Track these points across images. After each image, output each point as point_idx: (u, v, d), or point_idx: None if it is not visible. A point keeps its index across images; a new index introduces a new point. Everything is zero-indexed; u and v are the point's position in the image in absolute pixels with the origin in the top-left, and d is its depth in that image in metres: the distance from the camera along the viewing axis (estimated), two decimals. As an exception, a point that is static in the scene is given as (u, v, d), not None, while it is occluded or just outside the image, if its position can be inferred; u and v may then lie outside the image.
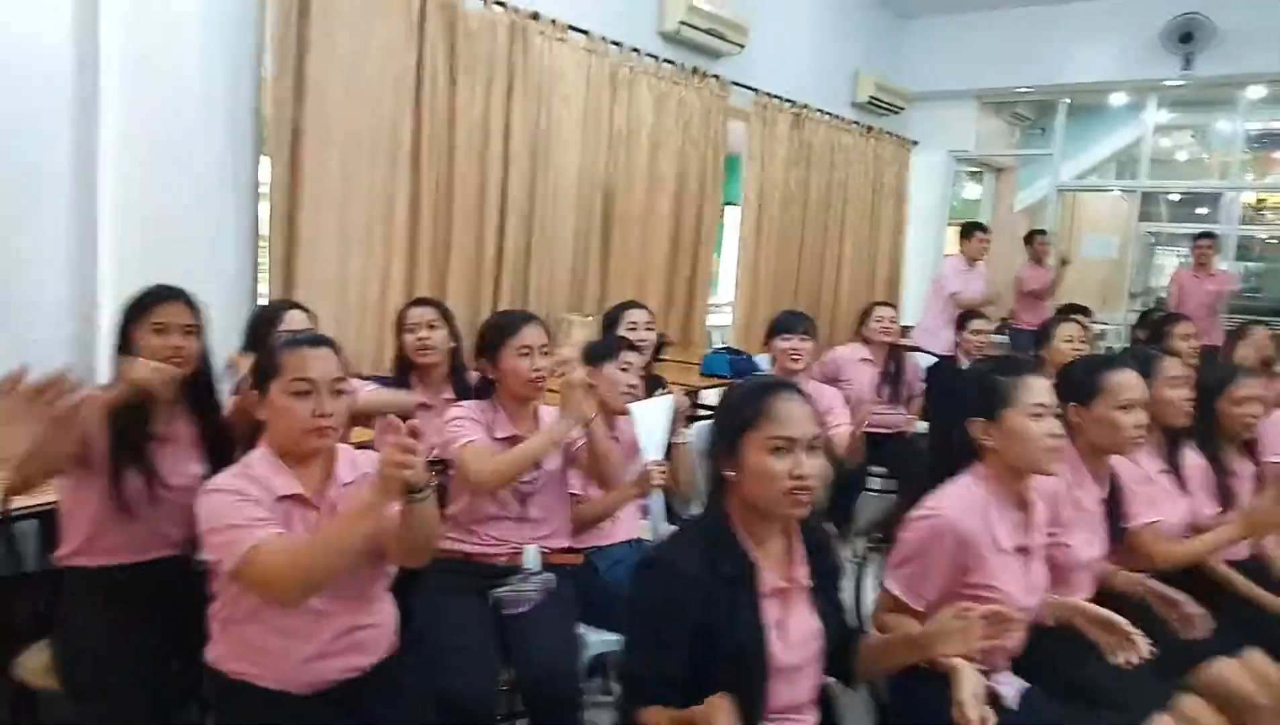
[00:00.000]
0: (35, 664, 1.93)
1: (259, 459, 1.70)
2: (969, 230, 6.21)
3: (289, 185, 3.52)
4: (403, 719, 1.71)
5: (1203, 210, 9.69)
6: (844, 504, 3.85)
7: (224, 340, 3.37)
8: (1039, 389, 1.74)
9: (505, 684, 2.02)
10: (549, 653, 2.01)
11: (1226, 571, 2.41)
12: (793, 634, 1.47)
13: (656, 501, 2.81)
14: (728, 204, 6.67)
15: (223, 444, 2.03)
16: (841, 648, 1.57)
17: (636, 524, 2.59)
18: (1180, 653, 2.04)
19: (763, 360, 4.03)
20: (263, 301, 3.53)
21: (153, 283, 2.06)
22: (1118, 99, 7.68)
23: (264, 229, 3.52)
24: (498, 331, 2.29)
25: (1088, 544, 1.98)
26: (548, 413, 2.37)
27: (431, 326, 2.77)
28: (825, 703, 1.61)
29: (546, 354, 2.30)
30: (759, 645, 1.41)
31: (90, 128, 2.98)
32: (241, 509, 1.57)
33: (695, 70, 5.31)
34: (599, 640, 2.28)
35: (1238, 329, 4.11)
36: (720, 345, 6.24)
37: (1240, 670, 2.04)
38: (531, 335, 2.27)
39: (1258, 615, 2.32)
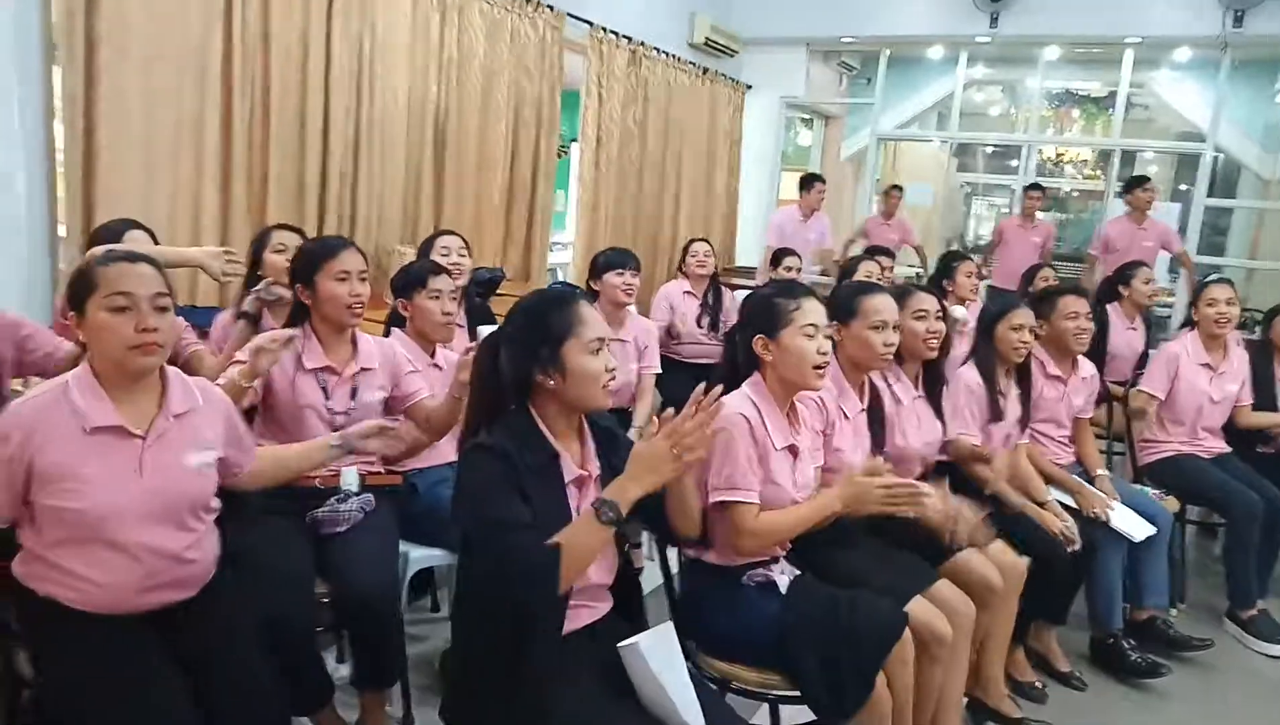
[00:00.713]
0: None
1: (77, 383, 1.60)
2: (808, 181, 6.30)
3: (85, 102, 3.27)
4: (220, 639, 1.70)
5: (1014, 162, 10.46)
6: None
7: (20, 267, 3.18)
8: (814, 311, 1.93)
9: (324, 598, 2.06)
10: (367, 568, 2.05)
11: (982, 470, 2.73)
12: None
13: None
14: (573, 140, 6.67)
15: None
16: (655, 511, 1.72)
17: (456, 447, 2.64)
18: (938, 544, 2.33)
19: (592, 297, 4.13)
20: (62, 227, 3.32)
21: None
22: (935, 53, 8.13)
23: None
24: (314, 256, 2.26)
25: (854, 449, 2.21)
26: (365, 341, 2.37)
27: None
28: (630, 593, 1.75)
29: (364, 280, 2.30)
30: (566, 523, 1.51)
31: None
32: None
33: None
34: (423, 556, 2.36)
35: (1030, 270, 4.57)
36: (560, 281, 6.32)
37: (981, 557, 2.35)
38: (350, 260, 2.25)
39: (1007, 514, 2.65)
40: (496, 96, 5.15)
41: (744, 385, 1.97)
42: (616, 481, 1.48)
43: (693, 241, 4.30)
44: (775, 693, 1.87)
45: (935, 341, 2.52)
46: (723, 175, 7.77)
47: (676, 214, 7.17)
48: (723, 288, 4.31)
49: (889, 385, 2.51)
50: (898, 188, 7.10)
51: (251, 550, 1.95)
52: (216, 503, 1.76)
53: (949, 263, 4.00)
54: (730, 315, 4.25)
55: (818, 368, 1.92)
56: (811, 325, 1.91)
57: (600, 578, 1.64)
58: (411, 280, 2.57)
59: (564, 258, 6.75)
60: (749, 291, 2.22)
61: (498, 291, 4.36)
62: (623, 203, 6.52)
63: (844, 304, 2.25)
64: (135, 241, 2.52)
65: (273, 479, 1.96)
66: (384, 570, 2.09)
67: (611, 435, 1.70)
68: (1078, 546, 2.63)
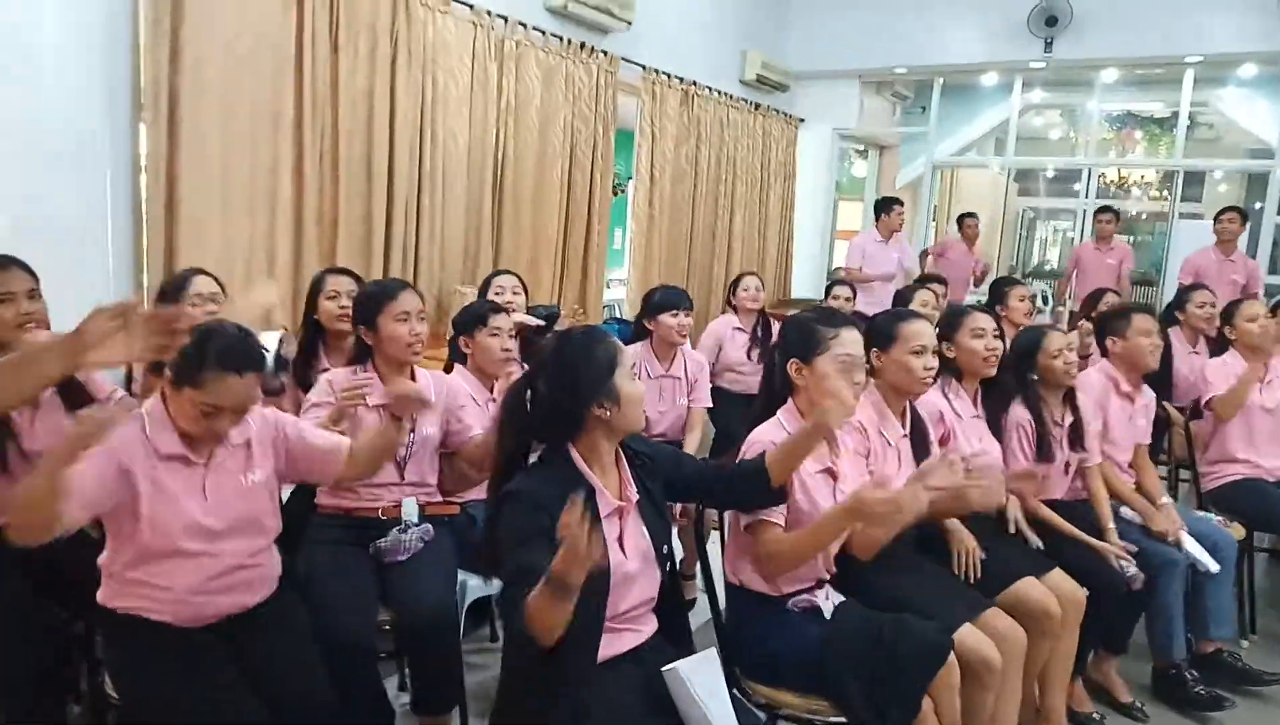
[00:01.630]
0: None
1: (153, 417, 1.78)
2: (887, 204, 6.41)
3: (168, 155, 3.50)
4: (285, 653, 1.83)
5: (1077, 186, 10.31)
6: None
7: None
8: (850, 342, 1.97)
9: (386, 624, 2.16)
10: (427, 594, 2.14)
11: (1039, 506, 2.72)
12: (631, 544, 1.67)
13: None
14: (629, 178, 6.82)
15: (80, 402, 2.11)
16: (738, 479, 1.83)
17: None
18: (995, 572, 2.34)
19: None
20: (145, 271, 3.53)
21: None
22: (989, 79, 8.10)
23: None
24: (376, 299, 2.39)
25: (899, 475, 2.23)
26: (423, 377, 2.49)
27: (350, 296, 2.79)
28: (677, 617, 1.81)
29: (423, 319, 2.42)
30: (603, 559, 1.57)
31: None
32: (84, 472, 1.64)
33: (583, 45, 5.43)
34: (480, 584, 2.44)
35: (1093, 294, 4.51)
36: (615, 317, 6.44)
37: (1039, 586, 2.34)
38: (409, 301, 2.38)
39: (1065, 544, 2.64)
40: (553, 139, 5.31)
41: (779, 412, 2.02)
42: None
43: (743, 276, 4.36)
44: (821, 718, 1.90)
45: (995, 358, 2.56)
46: (777, 208, 7.83)
47: (730, 248, 7.24)
48: (770, 320, 4.36)
49: (949, 401, 2.55)
50: (972, 215, 7.14)
51: (318, 577, 2.07)
52: (276, 520, 1.91)
53: (1001, 287, 3.99)
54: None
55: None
56: (847, 355, 1.96)
57: (643, 597, 1.70)
58: (472, 318, 2.68)
59: (620, 294, 6.87)
60: (790, 315, 2.29)
61: (553, 328, 4.48)
62: (677, 239, 6.63)
63: (883, 331, 2.28)
64: (200, 287, 2.64)
65: (372, 465, 2.11)
66: (443, 596, 2.18)
67: (648, 459, 1.77)
68: (1139, 584, 2.58)
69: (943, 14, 7.29)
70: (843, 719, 1.86)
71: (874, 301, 5.64)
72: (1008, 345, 2.75)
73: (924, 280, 4.57)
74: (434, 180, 4.59)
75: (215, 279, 2.78)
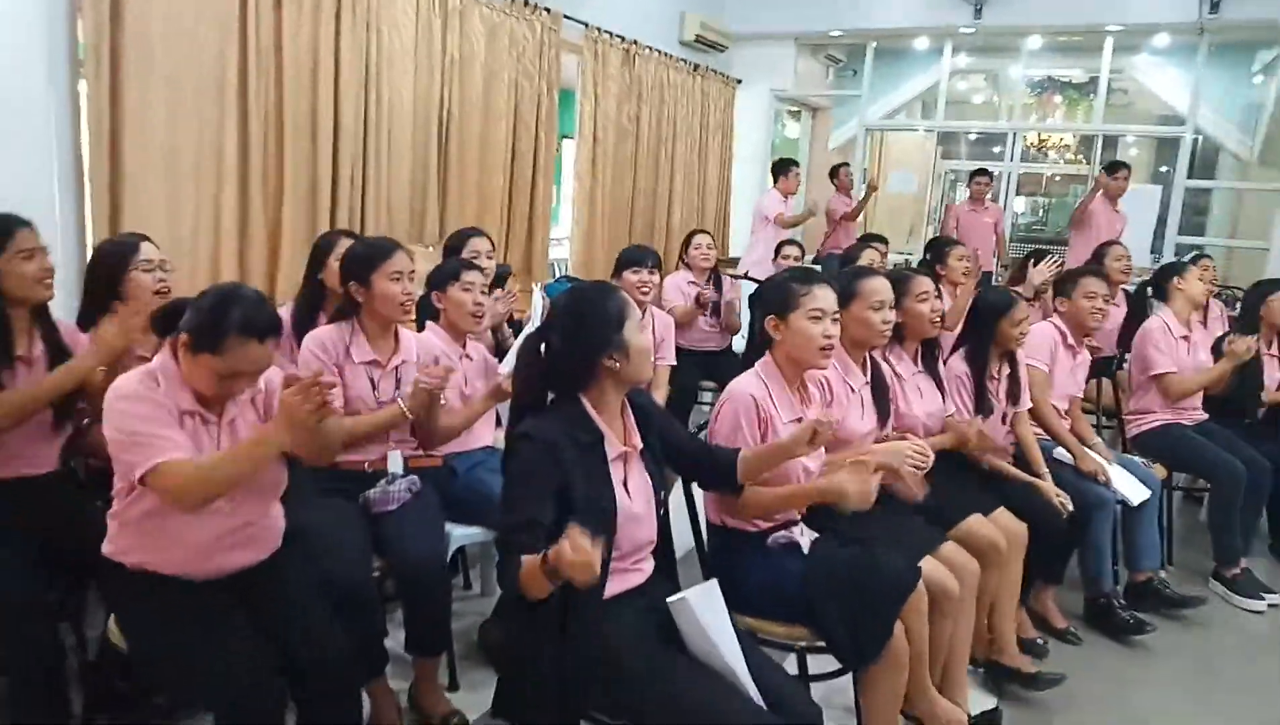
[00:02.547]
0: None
1: (166, 374, 1.75)
2: (784, 166, 6.63)
3: (110, 113, 3.40)
4: (293, 602, 1.87)
5: (998, 149, 10.63)
6: (680, 416, 4.21)
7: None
8: (821, 297, 2.08)
9: (379, 570, 2.23)
10: (418, 542, 2.22)
11: (989, 458, 2.90)
12: (635, 488, 1.76)
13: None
14: (565, 137, 6.81)
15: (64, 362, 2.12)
16: (710, 464, 1.95)
17: (491, 432, 2.80)
18: (947, 511, 2.50)
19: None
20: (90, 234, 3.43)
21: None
22: (920, 44, 8.30)
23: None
24: (370, 257, 2.41)
25: (860, 420, 2.38)
26: (406, 336, 2.53)
27: None
28: (665, 556, 1.91)
29: (413, 279, 2.45)
30: (609, 498, 1.68)
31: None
32: (150, 424, 1.68)
33: (526, 2, 5.39)
34: (462, 534, 2.52)
35: (1025, 258, 4.73)
36: (560, 275, 6.47)
37: (988, 523, 2.53)
38: (402, 261, 2.41)
39: (1008, 485, 2.83)
40: (497, 97, 5.29)
41: (756, 364, 2.14)
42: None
43: (695, 233, 4.45)
44: (801, 644, 2.04)
45: (939, 319, 2.70)
46: (715, 168, 7.93)
47: (671, 207, 7.32)
48: (723, 277, 4.47)
49: (891, 364, 2.68)
50: (844, 165, 7.50)
51: (314, 528, 2.11)
52: (284, 476, 1.92)
53: (941, 247, 4.14)
54: (734, 306, 4.42)
55: (823, 348, 2.07)
56: (819, 310, 2.07)
57: (648, 537, 1.80)
58: (446, 274, 2.71)
59: (560, 252, 6.90)
60: (770, 277, 2.41)
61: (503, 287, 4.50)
62: (619, 198, 6.68)
63: (844, 288, 2.38)
64: (148, 254, 2.46)
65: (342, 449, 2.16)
66: (433, 543, 2.26)
67: (646, 413, 1.86)
68: (1070, 509, 2.80)
69: (877, -22, 7.43)
70: (822, 644, 2.00)
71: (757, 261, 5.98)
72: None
73: (868, 239, 4.72)
74: (379, 138, 4.53)
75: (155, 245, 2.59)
